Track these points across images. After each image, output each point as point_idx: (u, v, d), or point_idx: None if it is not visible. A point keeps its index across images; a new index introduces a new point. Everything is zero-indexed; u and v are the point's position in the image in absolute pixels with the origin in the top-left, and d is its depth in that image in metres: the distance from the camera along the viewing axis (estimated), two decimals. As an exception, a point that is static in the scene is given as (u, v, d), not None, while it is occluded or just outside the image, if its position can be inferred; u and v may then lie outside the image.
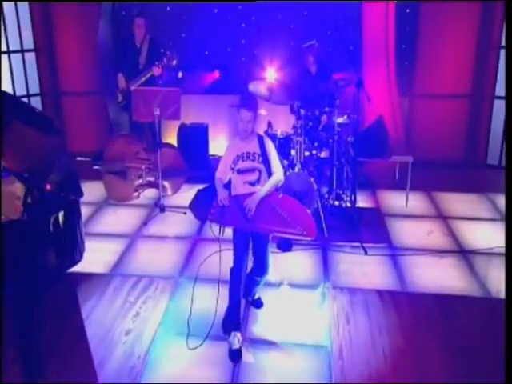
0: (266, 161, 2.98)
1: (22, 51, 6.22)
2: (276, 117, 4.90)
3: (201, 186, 4.74)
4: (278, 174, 2.99)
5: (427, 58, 5.90)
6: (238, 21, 5.95)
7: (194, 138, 5.78)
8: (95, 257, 3.89)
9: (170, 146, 5.15)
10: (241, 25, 5.96)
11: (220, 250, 2.95)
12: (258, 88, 4.28)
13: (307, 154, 4.51)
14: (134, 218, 4.72)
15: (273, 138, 4.50)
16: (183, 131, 5.86)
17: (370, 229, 4.40)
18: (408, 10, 5.91)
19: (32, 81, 6.35)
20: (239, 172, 2.99)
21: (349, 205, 4.57)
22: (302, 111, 4.19)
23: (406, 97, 6.02)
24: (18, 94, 6.11)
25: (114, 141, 4.92)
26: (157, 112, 4.47)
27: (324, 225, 4.26)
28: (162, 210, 4.76)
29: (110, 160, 4.83)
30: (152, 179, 4.90)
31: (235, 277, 2.96)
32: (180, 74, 6.15)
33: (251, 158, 2.99)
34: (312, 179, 4.24)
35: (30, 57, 6.30)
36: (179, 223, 4.58)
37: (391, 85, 5.83)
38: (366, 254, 4.01)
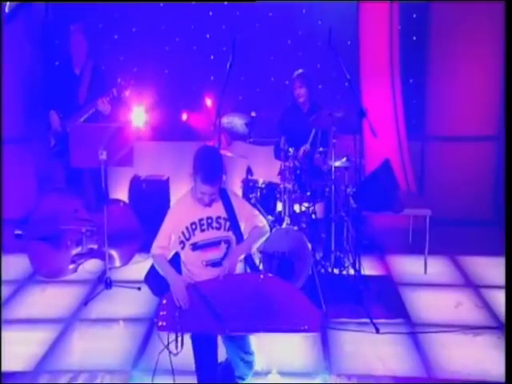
0: (235, 226, 2.94)
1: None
2: (256, 161, 5.11)
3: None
4: (263, 223, 3.02)
5: (441, 89, 6.29)
6: (207, 52, 6.34)
7: (151, 193, 5.92)
8: (16, 350, 3.85)
9: (119, 202, 5.21)
10: (209, 57, 6.33)
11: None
12: (234, 122, 4.51)
13: (297, 206, 4.67)
14: (70, 298, 4.69)
15: (253, 187, 4.68)
16: (137, 185, 6.01)
17: (380, 301, 4.51)
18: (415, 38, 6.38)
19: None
20: (196, 248, 2.92)
21: (352, 272, 4.68)
22: (291, 150, 4.41)
23: (416, 138, 6.39)
24: None
25: (44, 197, 4.97)
26: (102, 156, 4.51)
27: (321, 297, 4.31)
28: (108, 285, 4.74)
29: (39, 222, 4.81)
30: (95, 246, 4.91)
31: None
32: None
33: (215, 225, 2.93)
34: (305, 237, 4.36)
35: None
36: (131, 302, 4.59)
37: (398, 121, 6.21)
38: (377, 332, 4.06)
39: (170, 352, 2.83)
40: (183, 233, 2.91)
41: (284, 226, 4.45)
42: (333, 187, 4.57)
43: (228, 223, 2.93)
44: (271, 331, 2.84)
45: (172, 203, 5.78)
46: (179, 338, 2.80)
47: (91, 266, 5.08)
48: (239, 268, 3.60)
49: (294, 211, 4.64)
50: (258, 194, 4.69)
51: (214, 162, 2.87)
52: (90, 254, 4.94)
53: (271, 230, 4.37)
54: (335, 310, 4.34)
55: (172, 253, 3.01)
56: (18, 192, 6.27)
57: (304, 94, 4.97)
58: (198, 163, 2.87)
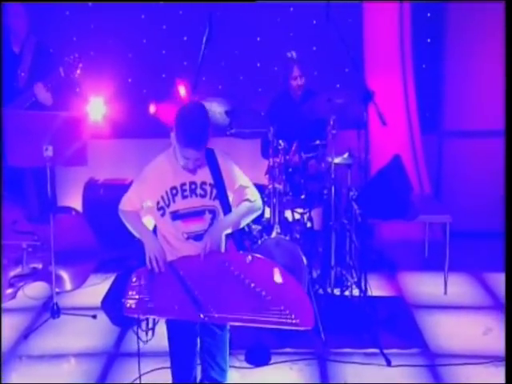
0: (223, 195, 2.98)
1: None
2: (239, 158, 4.97)
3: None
4: (254, 198, 3.03)
5: (460, 78, 6.30)
6: (180, 31, 6.28)
7: (111, 200, 5.63)
8: None
9: (70, 211, 5.13)
10: (182, 37, 6.25)
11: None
12: (212, 110, 4.40)
13: (289, 212, 4.56)
14: (7, 330, 4.50)
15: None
16: (93, 190, 5.86)
17: (391, 328, 4.42)
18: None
19: None
20: (177, 217, 2.96)
21: (357, 293, 4.59)
22: (282, 143, 4.30)
23: (431, 132, 6.36)
24: None
25: None
26: (48, 152, 4.37)
27: (320, 323, 4.20)
28: (56, 313, 4.61)
29: None
30: (39, 266, 4.82)
31: None
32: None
33: (199, 191, 2.97)
34: (299, 250, 4.24)
35: None
36: (85, 333, 4.50)
37: (410, 112, 6.19)
38: (388, 364, 3.97)
39: (138, 338, 2.92)
40: (162, 197, 2.94)
41: (274, 235, 4.34)
42: (332, 189, 4.48)
43: (214, 191, 2.96)
44: (255, 322, 2.85)
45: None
46: (151, 322, 3.01)
47: (35, 290, 4.97)
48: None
49: (286, 218, 4.56)
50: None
51: (199, 121, 2.89)
52: (33, 275, 4.85)
53: (258, 241, 4.28)
54: (337, 339, 4.25)
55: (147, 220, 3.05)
56: None
57: (303, 83, 4.92)
58: (180, 122, 2.88)
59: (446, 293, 5.03)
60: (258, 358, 3.99)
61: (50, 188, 4.61)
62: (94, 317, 4.57)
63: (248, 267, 2.89)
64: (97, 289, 4.83)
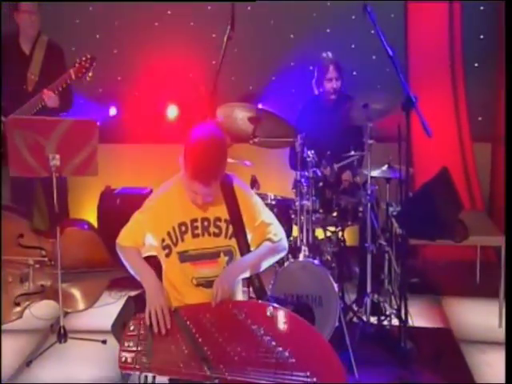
0: (241, 233, 2.60)
1: None
2: (264, 170, 4.60)
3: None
4: (278, 237, 2.64)
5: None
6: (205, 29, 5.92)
7: (128, 211, 5.36)
8: None
9: (81, 224, 4.85)
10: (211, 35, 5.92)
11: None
12: (234, 115, 4.03)
13: (320, 231, 4.19)
14: (10, 355, 4.32)
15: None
16: (109, 200, 5.53)
17: (435, 365, 4.01)
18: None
19: None
20: (186, 259, 2.59)
21: (395, 321, 4.22)
22: (311, 155, 3.91)
23: (485, 140, 5.93)
24: None
25: None
26: (55, 161, 4.14)
27: (352, 357, 3.82)
28: (62, 337, 4.36)
29: None
30: (47, 283, 4.57)
31: None
32: (113, 110, 6.02)
33: (212, 230, 2.60)
34: (329, 276, 3.86)
35: None
36: (93, 360, 4.24)
37: (460, 118, 5.76)
38: None
39: None
40: (169, 234, 2.56)
41: (301, 258, 3.96)
42: (368, 206, 4.06)
43: (231, 228, 2.57)
44: None
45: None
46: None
47: (43, 309, 4.76)
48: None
49: (316, 238, 4.15)
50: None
51: (210, 151, 2.49)
52: (41, 293, 4.59)
53: (283, 264, 3.91)
54: (371, 376, 3.88)
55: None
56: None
57: (339, 87, 4.55)
58: (188, 148, 2.49)
59: (500, 325, 4.54)
60: None
61: (61, 199, 4.49)
62: (104, 342, 4.34)
63: (269, 321, 2.49)
64: (110, 309, 4.60)
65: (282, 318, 2.50)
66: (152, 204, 2.66)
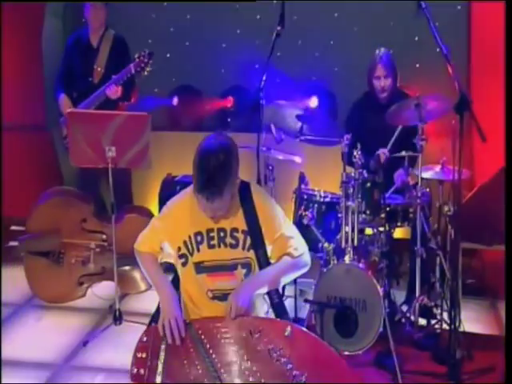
0: (259, 245, 2.13)
1: None
2: (314, 166, 3.99)
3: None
4: (299, 252, 2.18)
5: None
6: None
7: None
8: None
9: (140, 211, 4.48)
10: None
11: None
12: (281, 112, 3.44)
13: (369, 231, 3.60)
14: (70, 333, 4.02)
15: (308, 201, 3.68)
16: (169, 187, 5.01)
17: (485, 377, 3.33)
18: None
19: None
20: (202, 270, 2.16)
21: (445, 326, 3.57)
22: (356, 154, 3.29)
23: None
24: None
25: (45, 201, 4.34)
26: (111, 153, 3.77)
27: (397, 364, 3.22)
28: (118, 320, 3.99)
29: (36, 233, 4.26)
30: (108, 265, 4.22)
31: None
32: (175, 101, 5.59)
33: (229, 241, 2.15)
34: (374, 280, 3.27)
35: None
36: None
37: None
38: None
39: None
40: (185, 243, 2.14)
41: (346, 260, 3.39)
42: (418, 208, 3.41)
43: (249, 239, 2.12)
44: None
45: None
46: None
47: (104, 290, 4.37)
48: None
49: (363, 237, 3.58)
50: (315, 210, 3.62)
51: (213, 168, 2.03)
52: (102, 274, 4.29)
53: (327, 265, 3.34)
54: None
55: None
56: (24, 188, 5.66)
57: (389, 85, 3.85)
58: (193, 161, 2.07)
59: None
60: None
61: (124, 186, 4.42)
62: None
63: (287, 342, 2.02)
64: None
65: (301, 339, 2.04)
66: (168, 212, 2.24)
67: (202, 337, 2.08)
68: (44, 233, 4.21)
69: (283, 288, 3.95)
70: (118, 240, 4.04)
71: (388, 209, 3.51)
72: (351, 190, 3.32)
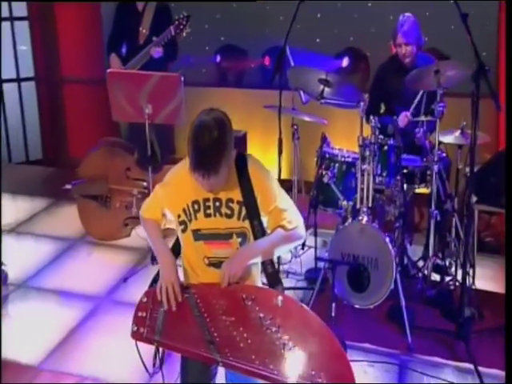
0: (254, 214, 1.96)
1: (12, 19, 5.77)
2: (340, 126, 3.74)
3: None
4: (293, 225, 1.99)
5: None
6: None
7: None
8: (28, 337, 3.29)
9: (176, 162, 4.34)
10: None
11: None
12: (304, 75, 3.17)
13: (387, 192, 3.37)
14: (114, 269, 4.03)
15: (329, 160, 3.46)
16: None
17: (494, 338, 3.10)
18: None
19: (24, 61, 5.92)
20: (199, 237, 2.00)
21: (459, 283, 3.36)
22: (373, 120, 3.02)
23: None
24: (4, 76, 5.75)
25: (95, 150, 4.31)
26: (147, 110, 3.67)
27: (407, 322, 3.06)
28: (154, 260, 3.91)
29: (87, 178, 4.25)
30: None
31: None
32: (218, 58, 5.40)
33: (224, 211, 1.97)
34: (388, 239, 3.06)
35: (22, 27, 5.86)
36: None
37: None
38: None
39: (146, 369, 2.05)
40: (184, 211, 1.98)
41: (361, 220, 3.19)
42: (435, 171, 3.13)
43: (244, 210, 1.95)
44: (275, 381, 1.85)
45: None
46: (159, 354, 2.04)
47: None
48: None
49: (380, 197, 3.36)
50: (336, 169, 3.41)
51: (208, 142, 1.82)
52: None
53: (344, 222, 3.16)
54: (425, 344, 3.10)
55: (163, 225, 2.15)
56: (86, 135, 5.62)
57: (411, 51, 3.48)
58: (189, 139, 1.87)
59: None
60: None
61: (167, 138, 4.33)
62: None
63: (277, 311, 1.87)
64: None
65: (292, 310, 1.89)
66: (169, 180, 2.07)
67: (198, 301, 1.97)
68: (93, 178, 4.18)
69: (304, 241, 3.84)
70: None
71: (406, 171, 3.26)
72: (367, 153, 3.08)
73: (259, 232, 1.96)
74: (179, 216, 2.00)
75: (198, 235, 1.99)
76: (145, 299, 2.03)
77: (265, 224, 2.00)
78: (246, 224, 1.96)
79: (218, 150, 1.82)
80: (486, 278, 3.64)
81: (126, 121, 3.99)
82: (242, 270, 1.93)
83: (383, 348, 3.09)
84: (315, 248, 3.66)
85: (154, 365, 2.02)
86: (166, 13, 4.31)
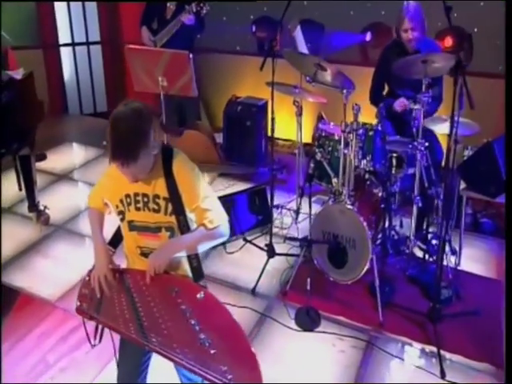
0: (179, 210, 1.72)
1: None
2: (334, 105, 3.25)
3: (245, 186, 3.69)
4: (215, 224, 1.74)
5: None
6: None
7: (244, 119, 4.36)
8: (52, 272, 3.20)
9: (198, 127, 4.21)
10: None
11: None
12: (300, 58, 2.74)
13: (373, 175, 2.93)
14: None
15: (325, 138, 3.05)
16: (231, 107, 4.47)
17: (465, 323, 2.71)
18: None
19: (93, 27, 5.82)
20: (133, 228, 1.79)
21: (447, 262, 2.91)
22: (355, 107, 2.57)
23: None
24: (76, 40, 5.73)
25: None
26: (163, 83, 3.41)
27: (379, 297, 2.72)
28: None
29: None
30: None
31: None
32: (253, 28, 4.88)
33: (152, 206, 1.74)
34: (365, 223, 2.69)
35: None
36: None
37: None
38: (442, 377, 2.43)
39: (89, 341, 1.88)
40: (121, 201, 1.79)
41: (342, 201, 2.82)
42: (417, 157, 2.71)
43: (170, 206, 1.72)
44: (195, 373, 1.65)
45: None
46: (100, 329, 1.88)
47: None
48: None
49: (369, 177, 2.93)
50: (330, 147, 3.01)
51: (124, 130, 1.60)
52: None
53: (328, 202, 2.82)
54: (396, 322, 2.76)
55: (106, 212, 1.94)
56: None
57: (416, 37, 2.97)
58: (108, 128, 1.64)
59: None
60: (306, 320, 2.76)
61: (193, 104, 4.12)
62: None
63: (197, 305, 1.66)
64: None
65: (210, 306, 1.66)
66: (109, 171, 1.84)
67: (131, 286, 1.79)
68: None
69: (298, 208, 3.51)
70: (178, 148, 3.86)
71: (395, 155, 2.81)
72: (350, 138, 2.65)
73: (185, 227, 1.73)
74: (117, 206, 1.80)
75: (132, 226, 1.79)
76: (87, 278, 1.87)
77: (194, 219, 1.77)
78: (173, 219, 1.73)
79: (134, 138, 1.59)
80: (474, 259, 3.21)
81: (145, 91, 3.70)
82: (165, 262, 1.71)
83: (356, 323, 2.79)
84: (309, 216, 3.30)
85: (94, 338, 1.86)
86: None
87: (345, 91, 2.61)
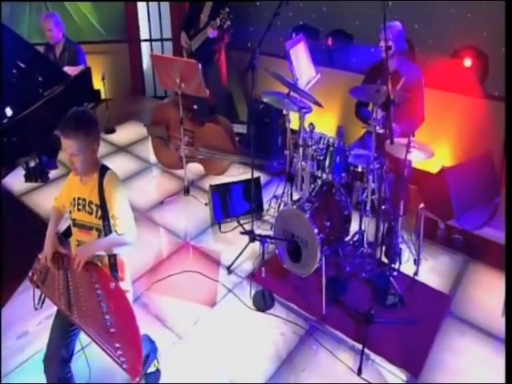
0: (105, 216, 1.78)
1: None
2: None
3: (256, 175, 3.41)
4: (122, 231, 1.77)
5: None
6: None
7: (263, 117, 4.16)
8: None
9: (218, 121, 3.96)
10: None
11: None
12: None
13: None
14: (162, 191, 3.84)
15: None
16: (254, 105, 4.20)
17: (396, 330, 2.43)
18: None
19: (166, 25, 5.76)
20: (74, 225, 1.90)
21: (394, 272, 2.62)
22: (308, 123, 2.26)
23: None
24: (153, 37, 5.72)
25: (165, 102, 4.17)
26: (180, 84, 3.38)
27: (324, 296, 2.50)
28: (186, 191, 3.77)
29: (155, 123, 4.07)
30: (193, 154, 3.92)
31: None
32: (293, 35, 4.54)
33: (87, 209, 1.84)
34: (316, 230, 2.46)
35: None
36: (192, 215, 3.49)
37: None
38: (358, 374, 2.24)
39: (34, 305, 1.94)
40: (71, 203, 1.91)
41: (300, 206, 2.59)
42: (371, 174, 2.43)
43: (99, 211, 1.83)
44: (100, 347, 1.70)
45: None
46: (41, 297, 1.95)
47: (195, 168, 4.01)
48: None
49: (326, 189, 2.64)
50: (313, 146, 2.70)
51: (73, 114, 1.76)
52: (192, 158, 3.96)
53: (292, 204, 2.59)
54: (338, 318, 2.54)
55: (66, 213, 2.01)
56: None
57: (392, 55, 2.58)
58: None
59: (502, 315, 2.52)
60: (261, 301, 2.64)
61: (181, 110, 3.73)
62: (206, 204, 3.53)
63: (109, 292, 1.71)
64: (233, 179, 3.58)
65: (117, 295, 1.70)
66: (68, 178, 1.97)
67: (67, 267, 1.84)
68: (158, 124, 3.99)
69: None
70: (200, 138, 3.86)
71: (352, 169, 2.47)
72: (308, 152, 2.35)
73: (108, 230, 1.79)
74: (68, 207, 1.91)
75: (74, 223, 1.89)
76: (40, 256, 1.94)
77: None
78: (101, 222, 1.80)
79: (79, 121, 1.75)
80: (435, 272, 2.84)
81: (168, 89, 3.69)
82: (85, 258, 1.75)
83: (303, 311, 2.59)
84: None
85: (37, 303, 1.93)
86: (221, 5, 3.84)
87: (303, 110, 2.30)
